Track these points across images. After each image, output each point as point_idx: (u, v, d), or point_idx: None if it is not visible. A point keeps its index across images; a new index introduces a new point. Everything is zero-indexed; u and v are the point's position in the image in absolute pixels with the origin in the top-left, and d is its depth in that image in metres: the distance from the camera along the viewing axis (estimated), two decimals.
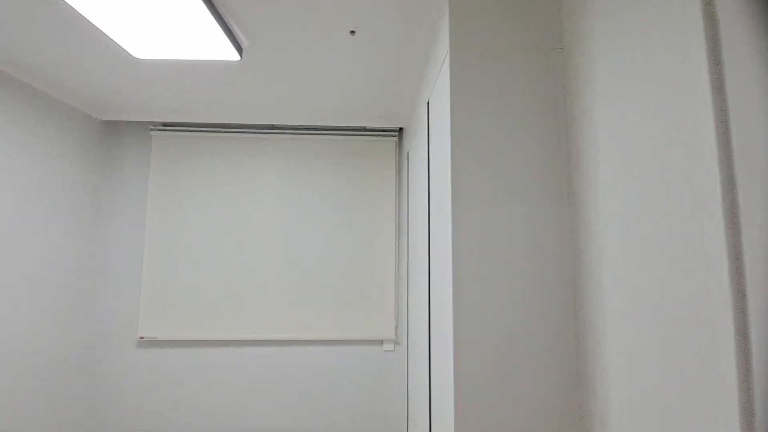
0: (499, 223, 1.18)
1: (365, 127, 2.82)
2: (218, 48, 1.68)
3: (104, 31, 1.57)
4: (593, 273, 1.05)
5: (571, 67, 1.19)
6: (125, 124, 2.82)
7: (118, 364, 2.65)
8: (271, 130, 2.80)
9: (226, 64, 1.93)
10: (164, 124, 2.81)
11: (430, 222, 1.59)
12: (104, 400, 2.63)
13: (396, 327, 2.71)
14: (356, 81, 2.10)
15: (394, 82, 2.11)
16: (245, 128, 2.80)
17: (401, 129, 2.87)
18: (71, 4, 1.40)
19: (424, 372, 1.63)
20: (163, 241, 2.74)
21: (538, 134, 1.22)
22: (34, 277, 2.19)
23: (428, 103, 1.66)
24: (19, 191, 2.09)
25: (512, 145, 1.21)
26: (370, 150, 2.83)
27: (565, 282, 1.18)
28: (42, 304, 2.24)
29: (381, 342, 2.71)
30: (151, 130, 2.78)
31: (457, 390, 1.11)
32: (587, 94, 1.09)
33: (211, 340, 2.69)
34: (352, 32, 1.66)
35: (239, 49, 1.75)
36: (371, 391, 2.66)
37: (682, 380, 0.72)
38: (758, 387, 0.59)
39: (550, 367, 1.15)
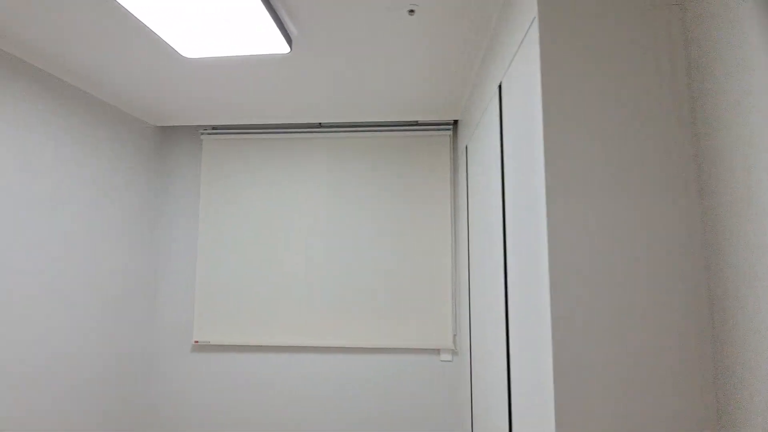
0: (607, 221, 0.96)
1: (417, 121, 2.64)
2: (268, 39, 1.57)
3: (153, 30, 1.51)
4: (737, 283, 0.80)
5: (697, 27, 0.94)
6: (177, 129, 2.84)
7: (175, 367, 2.66)
8: (318, 129, 2.69)
9: (275, 59, 1.83)
10: (213, 128, 2.79)
11: (505, 221, 1.38)
12: (161, 402, 2.65)
13: (454, 336, 2.51)
14: (412, 68, 1.93)
15: (454, 67, 1.91)
16: (292, 128, 2.72)
17: (456, 122, 2.66)
18: (122, 3, 1.34)
19: (497, 388, 1.43)
20: (214, 246, 2.72)
21: (656, 111, 0.98)
22: (96, 283, 2.22)
23: (500, 86, 1.45)
24: (81, 199, 2.12)
25: (623, 127, 0.98)
26: (422, 145, 2.65)
27: (695, 290, 0.93)
28: (104, 310, 2.27)
29: (438, 351, 2.52)
30: (202, 134, 2.78)
31: (558, 416, 0.91)
32: (718, 60, 0.85)
33: (263, 346, 2.63)
34: (411, 11, 1.49)
35: (288, 40, 1.63)
36: (427, 403, 2.48)
37: None
38: None
39: (680, 393, 0.91)
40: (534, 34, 1.05)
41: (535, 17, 1.04)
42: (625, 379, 0.92)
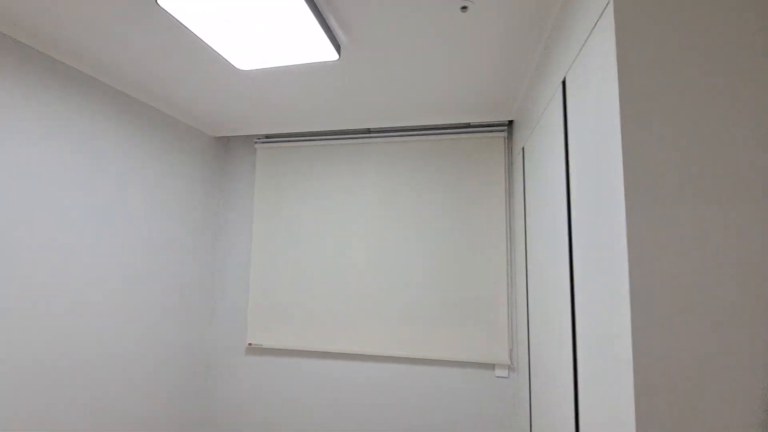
0: (696, 231, 0.82)
1: (469, 123, 2.54)
2: (317, 48, 1.57)
3: (211, 45, 1.57)
4: None
5: None
6: (234, 139, 2.96)
7: (230, 368, 2.76)
8: (367, 135, 2.68)
9: (324, 67, 1.83)
10: (266, 137, 2.88)
11: (571, 229, 1.25)
12: (216, 401, 2.75)
13: (511, 350, 2.35)
14: (464, 68, 1.84)
15: (510, 65, 1.80)
16: (342, 134, 2.72)
17: (510, 123, 2.52)
18: (178, 18, 1.40)
19: (562, 412, 1.29)
20: (266, 252, 2.80)
21: (754, 108, 0.82)
22: (157, 286, 2.35)
23: (564, 81, 1.32)
24: (146, 206, 2.26)
25: (713, 124, 0.83)
26: (475, 148, 2.54)
27: None
28: (165, 312, 2.41)
29: (493, 366, 2.38)
30: (256, 143, 2.87)
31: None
32: None
33: (313, 351, 2.65)
34: (464, 8, 1.41)
35: (337, 47, 1.62)
36: (480, 422, 2.34)
37: None
38: None
39: None
40: (608, 21, 0.93)
41: (609, 2, 0.92)
42: (717, 412, 0.77)
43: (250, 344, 2.75)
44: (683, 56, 0.86)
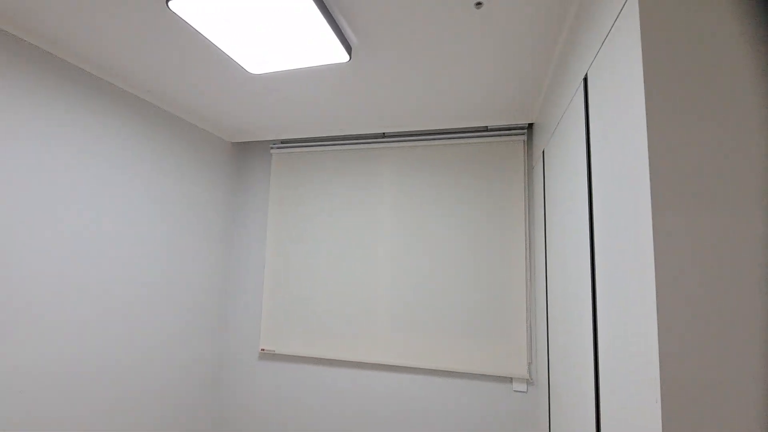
0: (725, 238, 0.73)
1: (486, 126, 2.46)
2: (327, 49, 1.54)
3: (222, 49, 1.56)
4: None
5: None
6: (250, 145, 2.98)
7: (242, 373, 2.75)
8: (382, 139, 2.64)
9: (336, 69, 1.81)
10: (282, 142, 2.88)
11: (593, 237, 1.16)
12: (229, 405, 2.74)
13: (529, 364, 2.24)
14: (479, 69, 1.78)
15: (528, 64, 1.72)
16: (357, 139, 2.69)
17: (530, 126, 2.42)
18: (189, 21, 1.40)
19: (582, 424, 1.19)
20: (280, 258, 2.78)
21: None
22: (174, 292, 2.36)
23: (585, 78, 1.24)
24: (164, 214, 2.29)
25: (746, 123, 0.74)
26: (493, 153, 2.45)
27: None
28: (180, 317, 2.42)
29: (510, 380, 2.26)
30: (271, 148, 2.88)
31: None
32: None
33: (324, 359, 2.60)
34: (478, 4, 1.35)
35: (348, 48, 1.59)
36: None
37: None
38: None
39: None
40: (632, 9, 0.85)
41: None
42: (741, 417, 0.67)
43: (263, 350, 2.73)
44: (715, 46, 0.77)
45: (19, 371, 1.59)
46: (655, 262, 0.75)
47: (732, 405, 0.70)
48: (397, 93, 2.03)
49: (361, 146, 2.69)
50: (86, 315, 1.85)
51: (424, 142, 2.56)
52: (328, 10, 1.41)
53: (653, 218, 0.77)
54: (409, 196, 2.56)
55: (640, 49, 0.81)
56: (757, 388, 0.70)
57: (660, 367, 0.73)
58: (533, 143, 2.36)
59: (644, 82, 0.80)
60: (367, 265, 2.58)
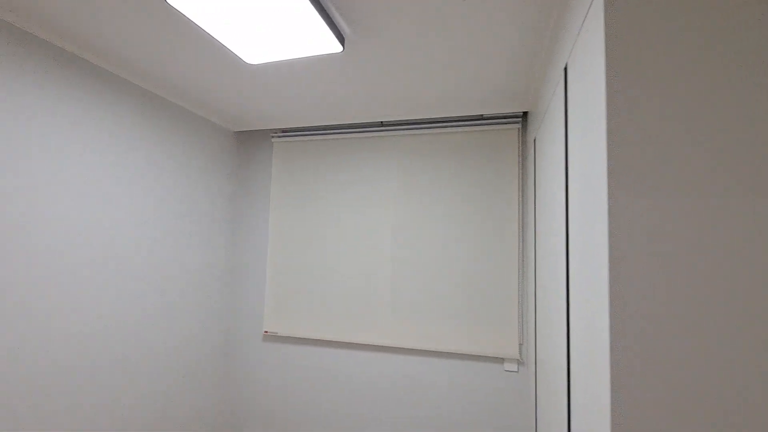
0: (680, 223, 0.78)
1: (482, 115, 2.49)
2: (320, 40, 1.59)
3: (219, 40, 1.62)
4: None
5: None
6: (252, 134, 3.05)
7: (247, 354, 2.87)
8: (380, 128, 2.69)
9: (330, 59, 1.86)
10: (283, 131, 2.94)
11: (568, 223, 1.22)
12: (234, 386, 2.87)
13: (520, 345, 2.31)
14: (471, 58, 1.81)
15: (518, 54, 1.76)
16: (355, 128, 2.75)
17: (525, 114, 2.46)
18: (185, 13, 1.46)
19: (558, 402, 1.27)
20: (283, 243, 2.88)
21: (743, 98, 0.77)
22: (179, 276, 2.47)
23: (566, 68, 1.28)
24: (165, 200, 2.38)
25: (702, 113, 0.79)
26: (489, 141, 2.49)
27: None
28: (186, 300, 2.53)
29: (502, 360, 2.35)
30: (272, 137, 2.95)
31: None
32: None
33: (326, 340, 2.71)
34: None
35: (341, 39, 1.64)
36: (489, 415, 2.32)
37: None
38: None
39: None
40: (597, 5, 0.90)
41: None
42: (691, 405, 0.74)
43: (266, 332, 2.84)
44: (676, 40, 0.82)
45: (24, 352, 1.71)
46: (609, 248, 0.81)
47: (678, 369, 0.77)
48: (391, 82, 2.08)
49: (360, 135, 2.74)
50: (97, 299, 1.96)
51: (421, 131, 2.61)
52: (319, 2, 1.45)
53: (609, 205, 0.83)
54: (407, 183, 2.62)
55: (603, 41, 0.86)
56: (706, 362, 0.76)
57: (610, 341, 0.80)
58: (527, 131, 2.39)
59: (605, 73, 0.85)
60: (366, 250, 2.66)
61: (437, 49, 1.74)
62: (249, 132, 3.06)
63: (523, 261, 2.38)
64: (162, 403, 2.33)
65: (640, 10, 0.84)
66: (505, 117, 2.46)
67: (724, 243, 0.76)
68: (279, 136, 2.93)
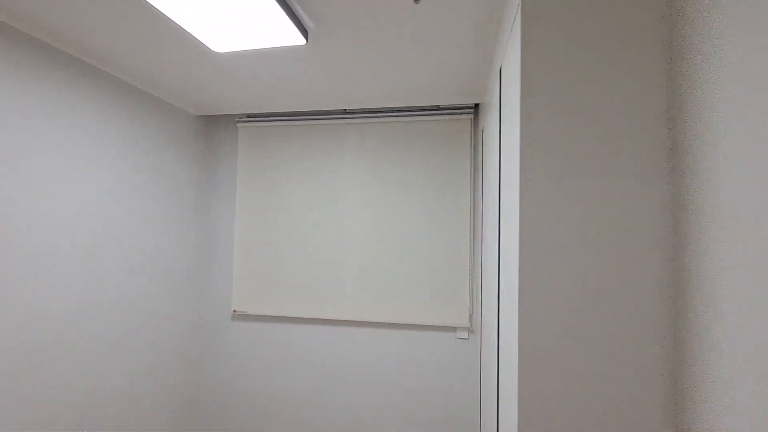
0: (576, 202, 1.00)
1: (438, 105, 2.69)
2: (284, 33, 1.70)
3: (186, 29, 1.70)
4: (704, 269, 0.83)
5: (682, 16, 0.94)
6: (217, 118, 3.09)
7: (217, 333, 2.98)
8: (344, 115, 2.82)
9: (295, 50, 1.97)
10: (248, 116, 3.01)
11: (500, 203, 1.43)
12: (206, 366, 2.98)
13: (470, 315, 2.58)
14: (425, 55, 1.99)
15: (467, 53, 1.94)
16: (321, 115, 2.87)
17: (477, 105, 2.67)
18: (158, 7, 1.53)
19: (493, 364, 1.51)
20: (250, 225, 2.98)
21: (637, 89, 1.00)
22: (149, 258, 2.53)
23: (501, 69, 1.48)
24: (135, 181, 2.42)
25: (600, 103, 1.01)
26: (444, 129, 2.70)
27: (661, 274, 0.96)
28: (157, 283, 2.59)
29: (454, 329, 2.61)
30: (238, 122, 3.01)
31: (521, 396, 0.99)
32: (703, 40, 0.85)
33: (293, 317, 2.87)
34: (416, 0, 1.55)
35: (305, 33, 1.75)
36: (443, 375, 2.59)
37: None
38: None
39: (638, 374, 0.95)
40: (519, 19, 1.09)
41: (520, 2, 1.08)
42: (584, 357, 0.98)
43: (235, 311, 2.96)
44: (576, 51, 1.02)
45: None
46: (520, 223, 1.02)
47: (575, 318, 1.00)
48: (353, 73, 2.21)
49: (325, 121, 2.87)
50: (66, 282, 2.01)
51: (383, 119, 2.77)
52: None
53: (520, 184, 1.03)
54: (370, 168, 2.79)
55: (520, 49, 1.05)
56: (605, 336, 0.99)
57: (519, 308, 1.02)
58: (479, 121, 2.61)
59: (521, 71, 1.05)
60: (331, 231, 2.82)
61: (395, 46, 1.90)
62: (214, 117, 3.10)
63: (473, 240, 2.63)
64: (131, 383, 2.41)
65: (549, 30, 1.04)
66: (459, 108, 2.66)
67: (605, 214, 0.99)
68: (245, 121, 2.99)
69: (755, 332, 0.67)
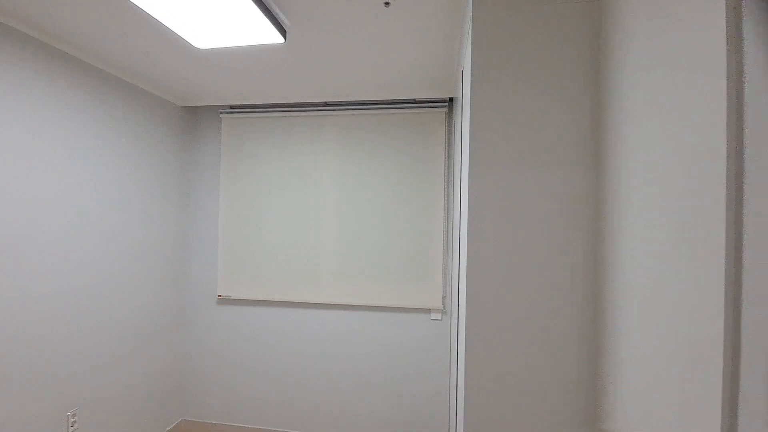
0: (517, 190, 1.16)
1: (414, 99, 2.81)
2: (262, 32, 1.80)
3: (169, 27, 1.78)
4: (619, 252, 0.99)
5: (608, 22, 1.09)
6: (200, 109, 3.16)
7: (202, 317, 3.10)
8: (325, 108, 2.93)
9: (274, 48, 2.06)
10: (231, 107, 3.09)
11: (461, 193, 1.59)
12: (191, 349, 3.11)
13: (444, 297, 2.76)
14: (398, 53, 2.10)
15: (437, 51, 2.07)
16: (302, 107, 2.97)
17: (452, 99, 2.81)
18: (140, 6, 1.61)
19: (459, 345, 1.68)
20: (233, 213, 3.08)
21: (567, 95, 1.15)
22: (134, 245, 2.62)
23: (463, 70, 1.62)
24: (118, 172, 2.50)
25: (536, 105, 1.16)
26: (420, 122, 2.83)
27: (589, 257, 1.12)
28: (142, 268, 2.69)
29: (428, 311, 2.78)
30: (221, 113, 3.09)
31: (467, 375, 1.15)
32: (623, 52, 1.00)
33: (275, 301, 3.00)
34: (386, 4, 1.66)
35: (283, 31, 1.85)
36: (418, 356, 2.77)
37: (679, 381, 0.68)
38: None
39: (565, 354, 1.12)
40: (470, 26, 1.22)
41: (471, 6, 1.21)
42: (520, 333, 1.14)
43: (219, 296, 3.08)
44: (519, 50, 1.17)
45: None
46: (468, 213, 1.17)
47: (519, 323, 1.16)
48: (330, 69, 2.32)
49: (306, 113, 2.97)
50: (51, 269, 2.10)
51: (361, 111, 2.89)
52: (261, 0, 1.66)
53: (469, 176, 1.18)
54: (348, 158, 2.91)
55: (470, 47, 1.19)
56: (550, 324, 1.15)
57: (467, 296, 1.17)
58: (453, 115, 2.75)
59: (471, 73, 1.18)
60: (311, 219, 2.95)
61: (368, 46, 2.01)
62: (198, 108, 3.16)
63: (447, 225, 2.79)
64: (117, 368, 2.52)
65: (495, 39, 1.17)
66: (433, 102, 2.80)
67: (533, 201, 1.15)
68: (227, 112, 3.08)
69: (655, 319, 0.84)
